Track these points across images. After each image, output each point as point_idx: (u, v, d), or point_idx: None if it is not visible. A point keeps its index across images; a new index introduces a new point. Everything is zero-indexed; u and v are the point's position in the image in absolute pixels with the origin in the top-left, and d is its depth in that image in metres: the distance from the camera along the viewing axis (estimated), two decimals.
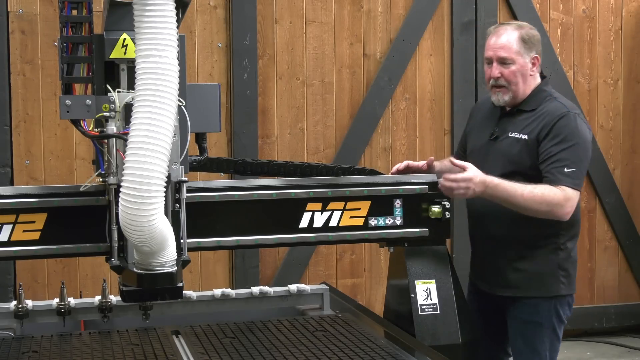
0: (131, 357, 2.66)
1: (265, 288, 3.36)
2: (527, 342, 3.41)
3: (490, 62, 3.44)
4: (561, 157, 3.26)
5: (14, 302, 3.04)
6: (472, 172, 3.14)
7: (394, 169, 3.45)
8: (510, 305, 3.45)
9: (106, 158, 2.43)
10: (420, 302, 3.05)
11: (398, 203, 3.06)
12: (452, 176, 3.12)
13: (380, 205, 3.04)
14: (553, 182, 3.23)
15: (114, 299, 3.06)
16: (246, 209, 2.90)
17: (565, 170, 3.23)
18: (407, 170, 3.41)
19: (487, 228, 3.47)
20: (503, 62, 3.39)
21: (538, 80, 3.48)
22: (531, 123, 3.36)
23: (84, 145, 5.20)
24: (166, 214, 2.34)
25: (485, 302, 3.55)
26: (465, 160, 3.64)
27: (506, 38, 3.40)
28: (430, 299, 3.07)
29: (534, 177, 3.29)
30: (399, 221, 3.06)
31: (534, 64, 3.43)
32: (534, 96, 3.43)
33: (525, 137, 3.35)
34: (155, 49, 2.21)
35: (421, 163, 3.45)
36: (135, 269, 2.39)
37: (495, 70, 3.41)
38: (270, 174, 3.44)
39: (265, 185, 2.95)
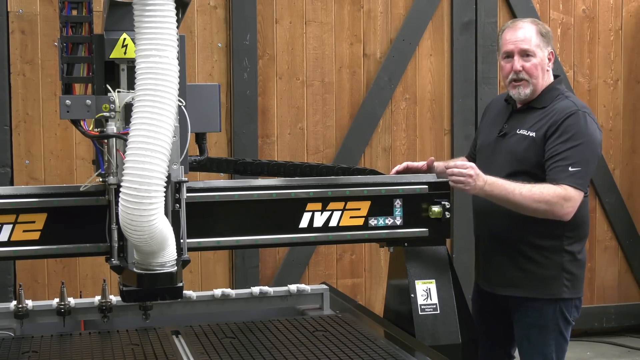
0: (131, 357, 2.66)
1: (265, 288, 3.36)
2: (533, 345, 3.39)
3: (509, 56, 3.40)
4: (566, 155, 3.22)
5: (14, 302, 3.03)
6: (473, 166, 3.18)
7: (394, 170, 3.44)
8: (515, 309, 3.43)
9: (106, 158, 2.43)
10: (420, 302, 3.05)
11: (398, 203, 3.06)
12: (459, 162, 3.19)
13: (380, 205, 3.03)
14: (555, 181, 3.21)
15: (114, 299, 3.06)
16: (246, 209, 2.90)
17: (570, 169, 3.20)
18: (407, 171, 3.40)
19: (491, 227, 3.46)
20: (525, 54, 3.37)
21: (551, 77, 3.46)
22: (540, 120, 3.34)
23: (84, 145, 5.20)
24: (166, 214, 2.34)
25: (489, 304, 3.54)
26: (474, 157, 3.64)
27: (526, 32, 3.38)
28: (430, 299, 3.07)
29: (540, 175, 3.28)
30: (399, 221, 3.06)
31: (549, 59, 3.42)
32: (546, 94, 3.40)
33: (532, 134, 3.33)
34: (155, 49, 2.21)
35: (421, 163, 3.44)
36: (135, 269, 2.39)
37: (518, 62, 3.37)
38: (270, 174, 3.44)
39: (265, 185, 2.95)
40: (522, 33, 3.38)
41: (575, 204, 3.23)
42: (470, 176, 3.12)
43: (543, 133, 3.30)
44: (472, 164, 3.20)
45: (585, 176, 3.26)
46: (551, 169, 3.24)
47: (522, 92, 3.39)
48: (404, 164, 3.44)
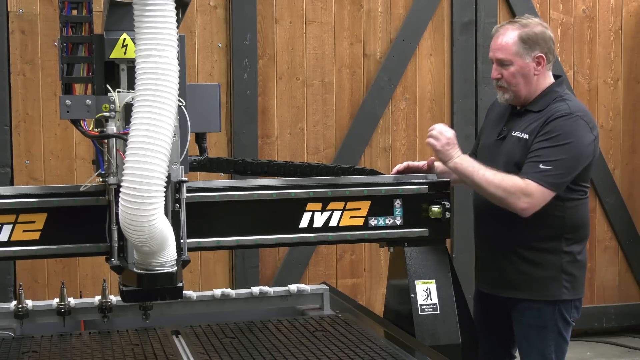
0: (131, 357, 2.66)
1: (265, 288, 3.36)
2: (532, 345, 3.39)
3: (492, 62, 3.44)
4: (541, 153, 3.21)
5: (14, 302, 3.03)
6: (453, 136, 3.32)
7: (394, 170, 3.45)
8: (514, 309, 3.42)
9: (106, 158, 2.43)
10: (420, 302, 3.05)
11: (398, 203, 3.06)
12: (443, 125, 3.36)
13: (380, 205, 3.03)
14: (523, 174, 3.21)
15: (114, 299, 3.06)
16: (246, 209, 2.90)
17: (540, 166, 3.19)
18: (407, 170, 3.41)
19: (491, 230, 3.45)
20: (501, 63, 3.38)
21: (550, 79, 3.42)
22: (533, 123, 3.33)
23: (84, 145, 5.20)
24: (166, 214, 2.34)
25: (490, 304, 3.54)
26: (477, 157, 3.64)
27: (504, 39, 3.36)
28: (430, 299, 3.07)
29: None
30: (399, 221, 3.06)
31: (539, 63, 3.35)
32: (544, 97, 3.38)
33: (525, 136, 3.32)
34: (155, 49, 2.21)
35: (421, 163, 3.44)
36: (135, 269, 2.39)
37: (495, 71, 3.40)
38: (270, 174, 3.44)
39: (265, 185, 2.95)
40: (501, 41, 3.37)
41: (534, 201, 3.19)
42: (448, 138, 3.26)
43: (535, 135, 3.29)
44: (453, 133, 3.31)
45: (557, 176, 3.21)
46: (524, 164, 3.25)
47: (503, 97, 3.42)
48: (405, 164, 3.44)
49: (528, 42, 3.34)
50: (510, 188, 3.18)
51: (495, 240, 3.44)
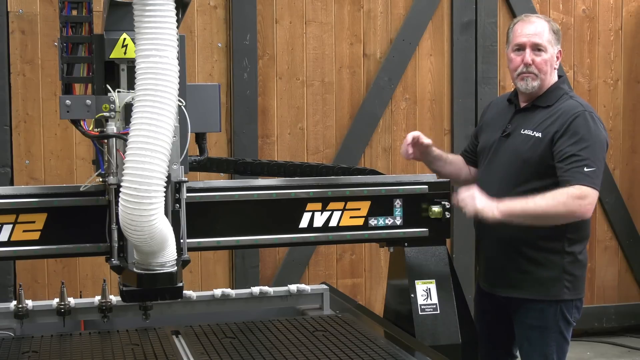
0: (131, 357, 2.66)
1: (265, 288, 3.36)
2: (533, 346, 3.39)
3: (521, 48, 3.39)
4: (580, 157, 3.21)
5: (14, 302, 3.03)
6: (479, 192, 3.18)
7: (409, 136, 3.55)
8: (515, 309, 3.43)
9: (106, 158, 2.43)
10: (420, 302, 3.05)
11: (398, 203, 3.06)
12: (471, 190, 3.19)
13: (380, 205, 3.03)
14: (572, 181, 3.18)
15: (114, 299, 3.06)
16: (246, 209, 2.90)
17: (585, 169, 3.19)
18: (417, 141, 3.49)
19: (493, 229, 3.44)
20: (537, 48, 3.37)
21: (556, 77, 3.45)
22: (545, 121, 3.33)
23: (84, 145, 5.20)
24: (166, 214, 2.34)
25: (491, 304, 3.54)
26: (474, 158, 3.63)
27: (538, 27, 3.38)
28: (430, 299, 3.07)
29: (543, 174, 3.27)
30: (399, 221, 3.06)
31: (557, 58, 3.43)
32: (551, 92, 3.40)
33: (538, 134, 3.32)
34: (155, 49, 2.21)
35: (427, 141, 3.53)
36: (135, 269, 2.39)
37: (529, 55, 3.37)
38: (270, 174, 3.44)
39: (265, 185, 2.95)
40: (535, 27, 3.39)
41: (593, 201, 3.20)
42: (477, 197, 3.13)
43: (551, 135, 3.28)
44: (475, 188, 3.20)
45: (600, 175, 3.24)
46: (566, 170, 3.21)
47: (530, 85, 3.38)
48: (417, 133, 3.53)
49: (557, 34, 3.42)
50: (567, 200, 3.16)
51: (498, 240, 3.44)
